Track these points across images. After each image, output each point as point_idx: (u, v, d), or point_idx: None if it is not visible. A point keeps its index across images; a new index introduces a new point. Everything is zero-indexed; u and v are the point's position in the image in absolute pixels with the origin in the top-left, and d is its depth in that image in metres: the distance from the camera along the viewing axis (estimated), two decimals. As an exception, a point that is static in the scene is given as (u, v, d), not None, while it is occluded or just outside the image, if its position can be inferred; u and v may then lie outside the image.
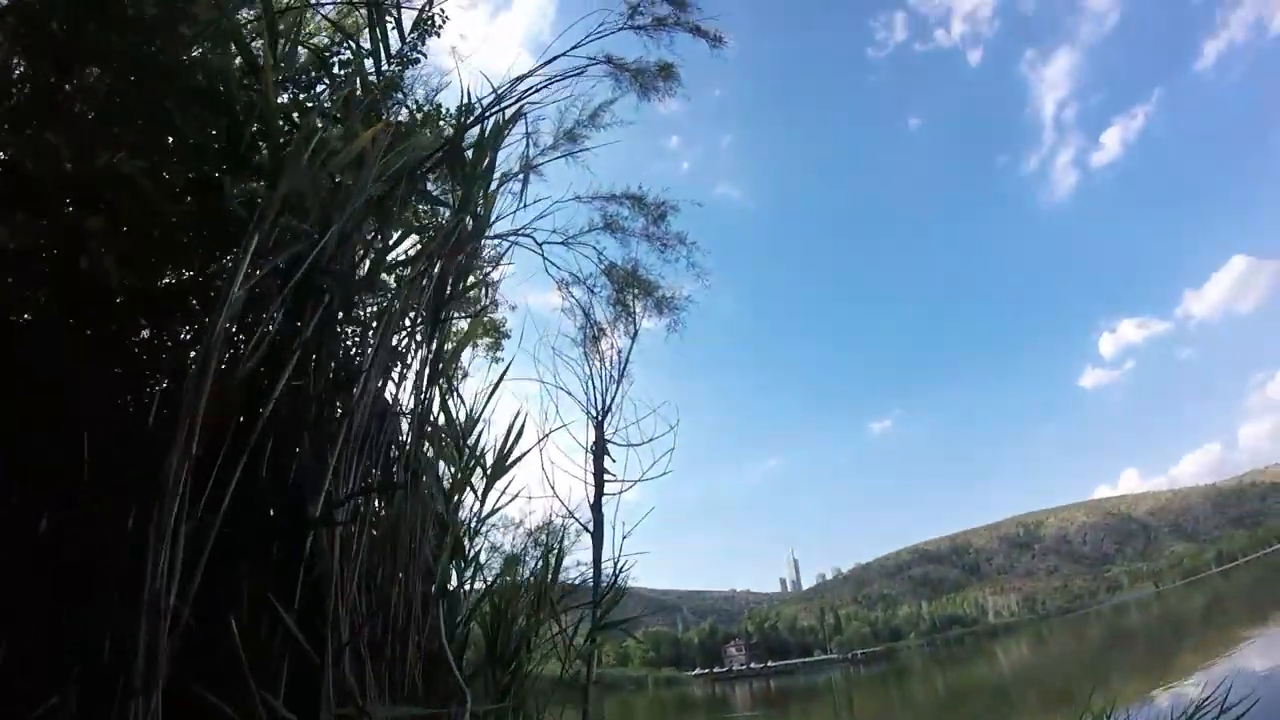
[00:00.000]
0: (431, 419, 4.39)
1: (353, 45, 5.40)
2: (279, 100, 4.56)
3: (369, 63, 5.30)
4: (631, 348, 6.21)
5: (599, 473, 5.74)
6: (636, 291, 6.69)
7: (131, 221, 3.66)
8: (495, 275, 6.70)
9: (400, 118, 5.54)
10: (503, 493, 5.00)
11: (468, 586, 5.12)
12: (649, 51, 6.17)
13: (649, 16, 6.05)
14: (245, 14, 4.85)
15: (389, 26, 5.37)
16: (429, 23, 5.62)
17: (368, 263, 4.13)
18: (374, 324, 4.09)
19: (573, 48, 5.54)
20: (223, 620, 2.91)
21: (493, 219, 4.88)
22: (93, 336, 3.71)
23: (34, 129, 3.68)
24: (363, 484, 3.63)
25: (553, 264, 6.58)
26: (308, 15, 6.11)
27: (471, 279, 5.00)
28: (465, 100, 5.05)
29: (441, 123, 5.78)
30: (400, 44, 5.46)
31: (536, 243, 6.22)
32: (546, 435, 5.45)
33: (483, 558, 5.63)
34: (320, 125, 4.54)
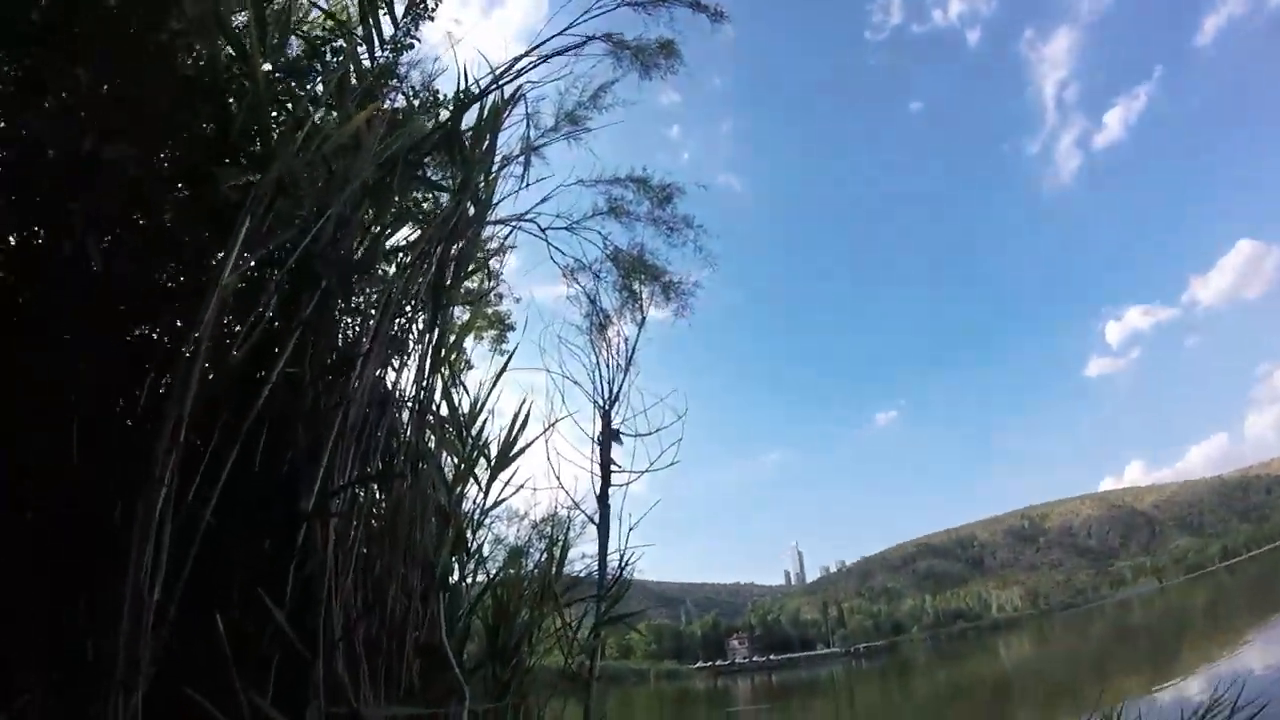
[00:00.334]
0: (433, 408, 4.27)
1: (346, 32, 5.27)
2: (271, 88, 4.45)
3: (364, 51, 5.20)
4: (639, 335, 6.10)
5: (605, 463, 5.64)
6: (643, 277, 6.56)
7: (117, 209, 3.54)
8: (498, 263, 6.59)
9: (397, 104, 5.44)
10: (507, 484, 4.90)
11: (470, 580, 5.03)
12: (648, 29, 6.05)
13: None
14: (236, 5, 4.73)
15: (381, 12, 5.25)
16: (421, 6, 5.51)
17: (363, 249, 4.00)
18: (373, 311, 3.97)
19: (570, 26, 5.41)
20: (209, 616, 2.79)
21: (494, 203, 4.77)
22: (81, 329, 3.60)
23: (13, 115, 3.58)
24: (359, 474, 3.52)
25: (557, 249, 6.48)
26: (302, 7, 6.00)
27: (473, 265, 4.90)
28: (462, 82, 4.93)
29: (440, 108, 5.68)
30: (393, 30, 5.34)
31: (540, 228, 6.12)
32: (552, 425, 5.35)
33: (486, 550, 5.55)
34: (313, 112, 4.43)
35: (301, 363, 3.48)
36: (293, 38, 5.30)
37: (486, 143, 4.36)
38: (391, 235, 4.49)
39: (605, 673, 5.59)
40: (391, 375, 4.17)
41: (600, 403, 5.75)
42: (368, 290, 3.98)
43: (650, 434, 5.78)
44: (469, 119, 4.87)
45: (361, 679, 3.40)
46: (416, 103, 5.58)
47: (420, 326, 4.07)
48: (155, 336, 3.70)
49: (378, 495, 3.94)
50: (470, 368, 6.47)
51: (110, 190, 3.47)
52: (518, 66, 4.91)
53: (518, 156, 5.29)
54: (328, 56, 5.23)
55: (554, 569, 5.35)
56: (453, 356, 4.41)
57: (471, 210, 4.41)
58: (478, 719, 4.33)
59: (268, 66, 4.62)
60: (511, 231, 5.48)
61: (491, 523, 5.39)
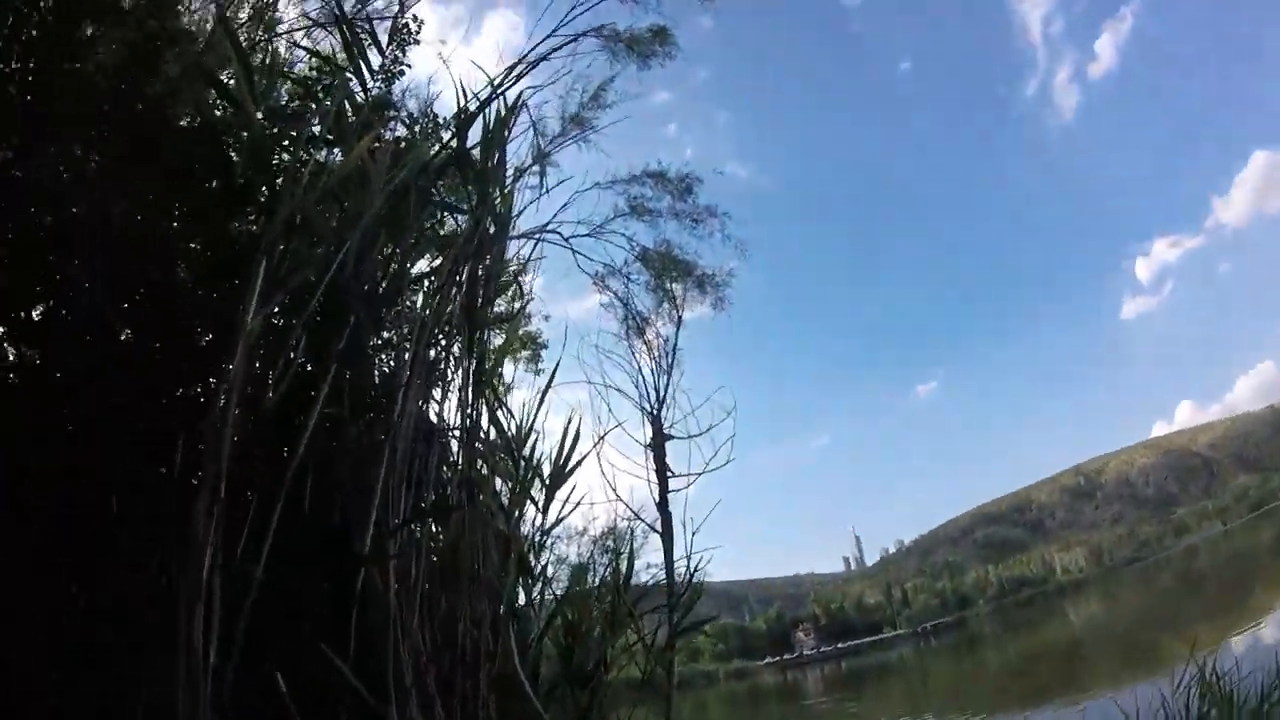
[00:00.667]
0: (481, 434, 4.13)
1: (332, 68, 5.17)
2: (268, 133, 4.37)
3: (356, 87, 5.11)
4: (678, 333, 5.90)
5: (661, 469, 5.45)
6: (675, 274, 6.37)
7: (128, 270, 3.44)
8: (527, 280, 6.44)
9: (398, 133, 5.34)
10: (564, 502, 4.77)
11: (538, 602, 4.89)
12: (637, 19, 5.89)
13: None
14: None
15: (366, 44, 5.15)
16: (405, 32, 5.40)
17: (387, 280, 3.87)
18: (407, 342, 3.84)
19: (559, 26, 5.25)
20: (269, 675, 2.66)
21: (514, 217, 4.63)
22: (114, 397, 3.50)
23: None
24: (413, 510, 3.37)
25: (584, 256, 6.30)
26: (287, 52, 5.93)
27: (503, 282, 4.76)
28: (461, 99, 4.79)
29: (442, 130, 5.57)
30: (381, 58, 5.24)
31: (563, 238, 5.95)
32: (603, 436, 5.19)
33: (550, 570, 5.40)
34: (314, 151, 4.34)
35: (340, 402, 3.35)
36: (286, 82, 5.22)
37: (496, 156, 4.22)
38: (414, 264, 4.38)
39: (677, 677, 5.42)
40: (435, 406, 4.06)
41: (648, 408, 5.57)
42: (399, 321, 3.85)
43: (702, 434, 5.61)
44: (474, 135, 4.75)
45: (439, 721, 3.27)
46: (417, 129, 5.47)
47: (457, 353, 3.93)
48: (188, 395, 3.59)
49: (435, 529, 3.81)
50: (511, 390, 6.36)
51: (119, 252, 3.38)
52: (515, 73, 4.74)
53: (530, 166, 5.16)
54: (321, 96, 5.14)
55: (621, 582, 5.20)
56: (494, 380, 4.27)
57: (492, 228, 4.28)
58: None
59: (260, 115, 4.56)
60: (537, 244, 5.33)
61: (552, 543, 5.26)
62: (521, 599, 4.63)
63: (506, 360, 7.63)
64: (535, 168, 5.21)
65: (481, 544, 3.70)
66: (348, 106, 4.77)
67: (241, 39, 4.37)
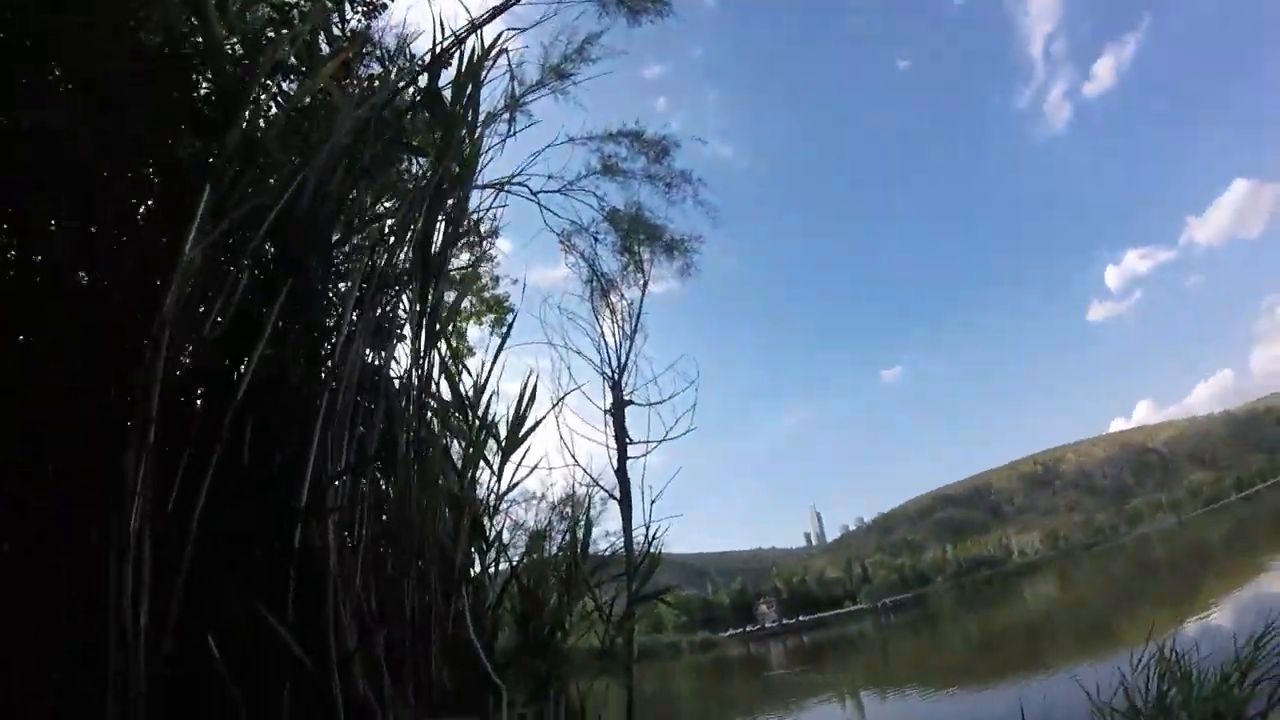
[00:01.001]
0: (433, 388, 3.93)
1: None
2: (234, 56, 4.09)
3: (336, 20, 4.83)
4: (643, 297, 5.70)
5: (620, 435, 5.29)
6: (643, 236, 6.15)
7: (69, 191, 3.17)
8: (491, 236, 6.19)
9: (374, 70, 5.07)
10: (519, 464, 4.60)
11: (493, 569, 4.74)
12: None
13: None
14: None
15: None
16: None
17: (342, 220, 3.63)
18: (362, 284, 3.61)
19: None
20: (201, 639, 2.47)
21: (480, 164, 4.40)
22: (45, 330, 3.25)
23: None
24: (355, 459, 3.17)
25: (551, 212, 6.05)
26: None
27: (464, 232, 4.53)
28: (438, 34, 4.52)
29: (419, 75, 5.29)
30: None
31: (531, 191, 5.70)
32: (561, 399, 5.02)
33: (506, 535, 5.26)
34: (279, 77, 4.07)
35: (284, 345, 3.13)
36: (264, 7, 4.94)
37: (469, 92, 3.97)
38: (374, 206, 4.14)
39: (639, 649, 5.31)
40: (386, 358, 3.85)
41: (609, 373, 5.39)
42: (353, 262, 3.62)
43: (662, 402, 5.46)
44: (449, 76, 4.50)
45: (385, 689, 3.10)
46: (393, 69, 5.19)
47: (410, 299, 3.71)
48: (120, 330, 3.33)
49: (384, 487, 3.62)
50: (471, 353, 6.12)
51: (61, 171, 3.11)
52: (494, 8, 4.47)
53: (503, 112, 4.90)
54: (297, 23, 4.86)
55: (579, 549, 5.07)
56: (450, 333, 4.07)
57: (457, 171, 4.04)
58: (520, 715, 4.06)
59: (235, 42, 4.28)
60: (498, 194, 5.06)
61: (509, 507, 5.09)
62: (478, 566, 4.48)
63: (470, 323, 7.42)
64: (507, 115, 4.96)
65: (432, 503, 3.51)
66: (322, 37, 4.51)
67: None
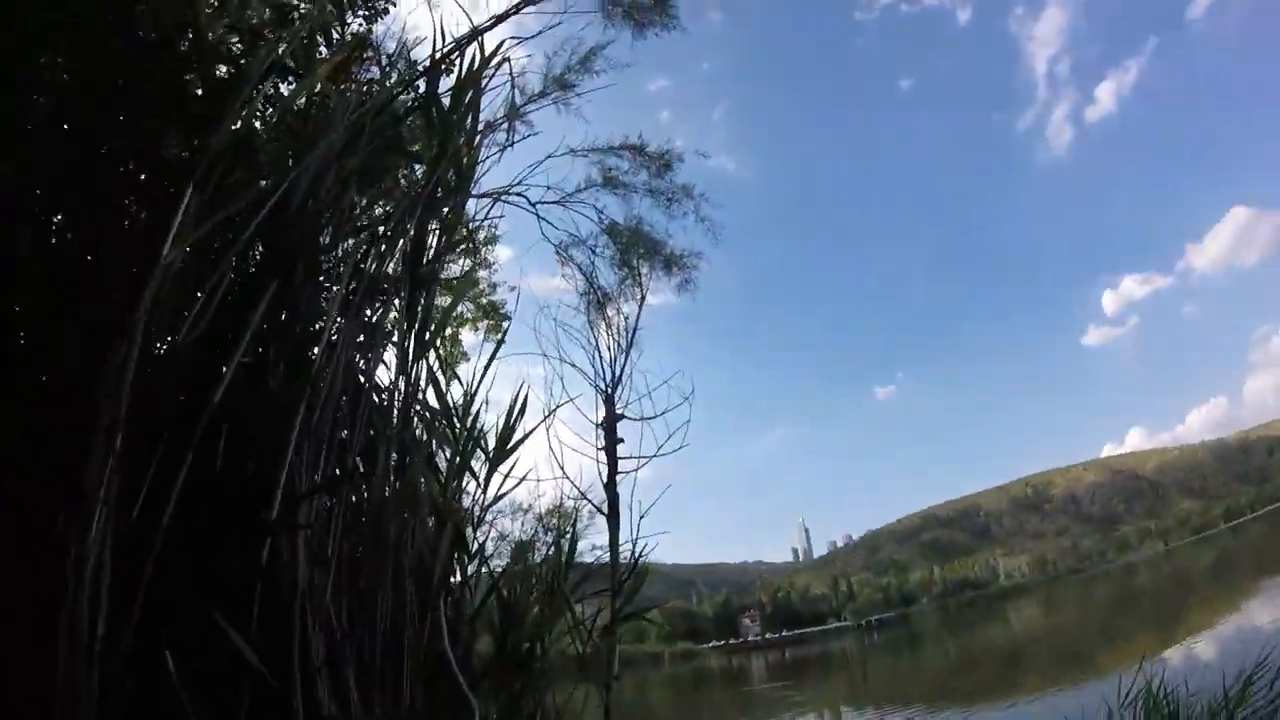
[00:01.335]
0: (419, 397, 3.86)
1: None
2: (226, 52, 4.04)
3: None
4: (640, 312, 5.64)
5: (611, 450, 5.22)
6: (642, 251, 6.08)
7: (51, 183, 3.10)
8: (490, 246, 6.14)
9: (373, 75, 5.03)
10: (507, 475, 4.52)
11: (474, 581, 4.65)
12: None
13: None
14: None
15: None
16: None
17: (333, 224, 3.56)
18: (350, 288, 3.54)
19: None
20: (164, 650, 2.39)
21: (478, 173, 4.33)
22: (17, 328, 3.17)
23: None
24: (334, 475, 3.10)
25: (549, 224, 5.99)
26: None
27: (457, 240, 4.47)
28: (439, 41, 4.47)
29: (419, 80, 5.26)
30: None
31: (530, 202, 5.64)
32: (553, 412, 4.95)
33: (490, 547, 5.18)
34: (275, 77, 4.01)
35: (264, 352, 3.06)
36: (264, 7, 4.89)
37: (468, 99, 3.91)
38: (366, 212, 4.07)
39: (620, 658, 5.25)
40: (373, 367, 3.78)
41: (602, 387, 5.32)
42: (341, 267, 3.55)
43: (655, 417, 5.39)
44: (449, 82, 4.45)
45: (353, 706, 3.02)
46: (394, 75, 5.14)
47: (397, 310, 3.64)
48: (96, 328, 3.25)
49: (364, 496, 3.54)
50: (466, 359, 6.05)
51: (42, 161, 3.04)
52: (497, 17, 4.43)
53: (502, 122, 4.84)
54: (296, 21, 4.81)
55: (563, 560, 5.00)
56: (439, 342, 3.99)
57: (453, 178, 3.98)
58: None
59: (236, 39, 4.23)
60: (494, 203, 5.01)
61: (494, 518, 5.02)
62: (458, 576, 4.40)
63: (466, 329, 7.36)
64: (507, 124, 4.91)
65: (412, 515, 3.43)
66: (320, 38, 4.47)
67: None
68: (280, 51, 4.27)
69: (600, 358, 5.37)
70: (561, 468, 5.10)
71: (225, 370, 2.81)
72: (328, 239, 3.54)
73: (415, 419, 3.86)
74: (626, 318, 5.64)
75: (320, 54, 4.49)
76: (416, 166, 4.67)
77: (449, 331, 4.91)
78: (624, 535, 5.32)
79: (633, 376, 5.42)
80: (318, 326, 3.52)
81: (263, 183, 3.30)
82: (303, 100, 3.87)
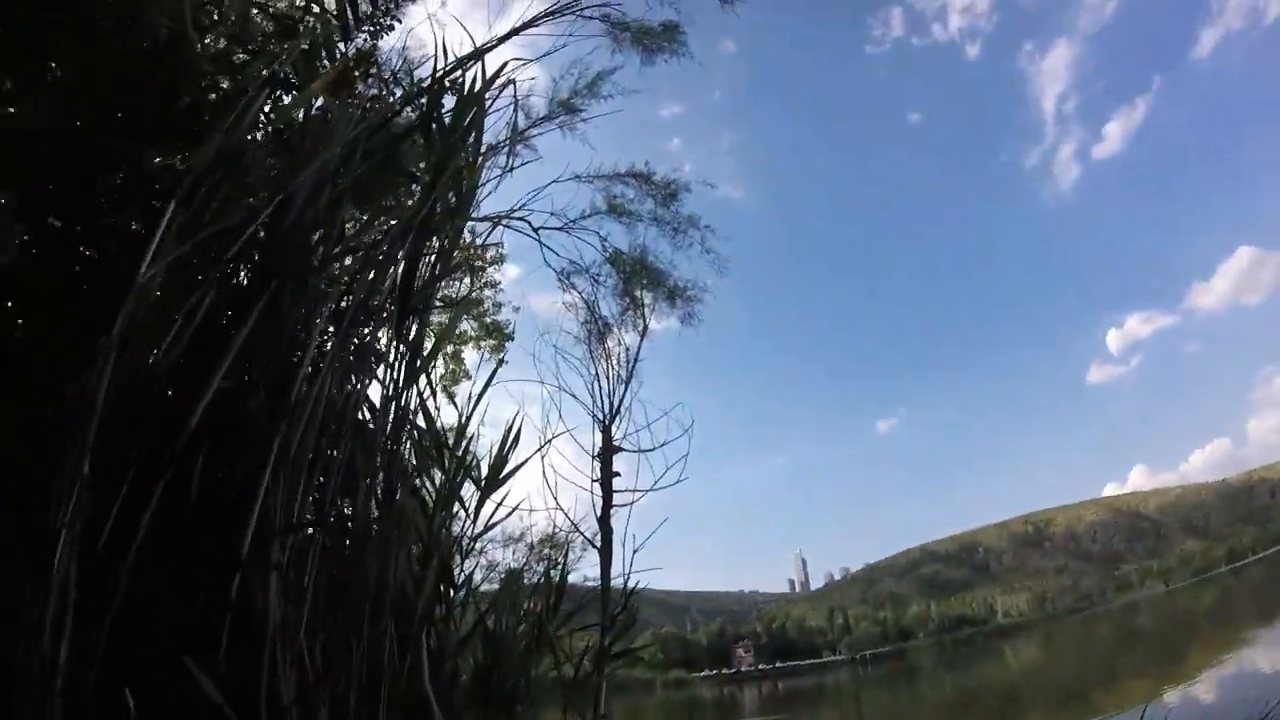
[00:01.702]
0: (409, 426, 3.74)
1: (318, 7, 4.77)
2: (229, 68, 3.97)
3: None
4: (641, 344, 5.53)
5: (606, 483, 5.10)
6: (645, 281, 5.99)
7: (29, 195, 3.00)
8: (496, 270, 6.04)
9: (373, 92, 4.96)
10: (498, 505, 4.39)
11: (459, 614, 4.51)
12: (652, 10, 5.54)
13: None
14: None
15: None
16: (403, -15, 5.04)
17: (323, 245, 3.46)
18: (340, 310, 3.44)
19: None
20: (127, 689, 2.26)
21: (479, 196, 4.24)
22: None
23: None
24: (312, 510, 2.97)
25: (551, 250, 5.90)
26: None
27: (453, 264, 4.36)
28: (441, 60, 4.40)
29: (421, 98, 5.20)
30: (371, 8, 4.87)
31: (532, 227, 5.55)
32: (548, 442, 4.82)
33: (478, 576, 5.05)
34: (270, 91, 3.93)
35: (248, 374, 2.94)
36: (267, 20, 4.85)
37: (469, 120, 3.82)
38: (360, 234, 3.97)
39: (610, 682, 5.10)
40: (362, 395, 3.66)
41: (600, 417, 5.20)
42: (329, 293, 3.44)
43: (653, 450, 5.26)
44: (450, 103, 4.38)
45: (322, 751, 2.87)
46: (395, 91, 5.07)
47: (387, 334, 3.52)
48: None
49: (344, 527, 3.41)
50: (468, 377, 5.93)
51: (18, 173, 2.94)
52: (501, 37, 4.38)
53: (505, 145, 4.76)
54: (299, 35, 4.76)
55: (550, 598, 4.85)
56: (431, 368, 3.88)
57: (453, 200, 3.88)
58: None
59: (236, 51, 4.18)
60: (492, 229, 4.92)
61: (484, 549, 4.88)
62: (440, 610, 4.25)
63: (469, 348, 7.23)
64: (509, 148, 4.84)
65: (397, 548, 3.29)
66: (323, 51, 4.41)
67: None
68: (277, 65, 4.21)
69: (599, 388, 5.26)
70: (555, 499, 4.98)
71: (204, 393, 2.69)
72: (318, 259, 3.44)
73: (404, 446, 3.74)
74: (628, 349, 5.55)
75: (323, 68, 4.43)
76: (416, 188, 4.59)
77: (451, 349, 4.78)
78: (616, 569, 5.19)
79: (631, 407, 5.31)
80: (302, 351, 3.41)
81: (251, 200, 3.20)
82: (300, 114, 3.79)
